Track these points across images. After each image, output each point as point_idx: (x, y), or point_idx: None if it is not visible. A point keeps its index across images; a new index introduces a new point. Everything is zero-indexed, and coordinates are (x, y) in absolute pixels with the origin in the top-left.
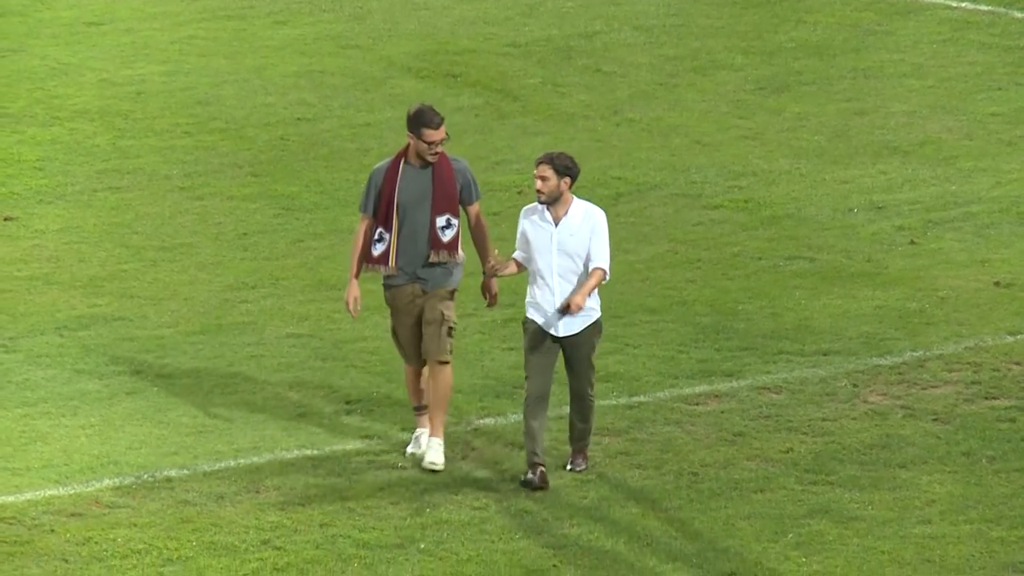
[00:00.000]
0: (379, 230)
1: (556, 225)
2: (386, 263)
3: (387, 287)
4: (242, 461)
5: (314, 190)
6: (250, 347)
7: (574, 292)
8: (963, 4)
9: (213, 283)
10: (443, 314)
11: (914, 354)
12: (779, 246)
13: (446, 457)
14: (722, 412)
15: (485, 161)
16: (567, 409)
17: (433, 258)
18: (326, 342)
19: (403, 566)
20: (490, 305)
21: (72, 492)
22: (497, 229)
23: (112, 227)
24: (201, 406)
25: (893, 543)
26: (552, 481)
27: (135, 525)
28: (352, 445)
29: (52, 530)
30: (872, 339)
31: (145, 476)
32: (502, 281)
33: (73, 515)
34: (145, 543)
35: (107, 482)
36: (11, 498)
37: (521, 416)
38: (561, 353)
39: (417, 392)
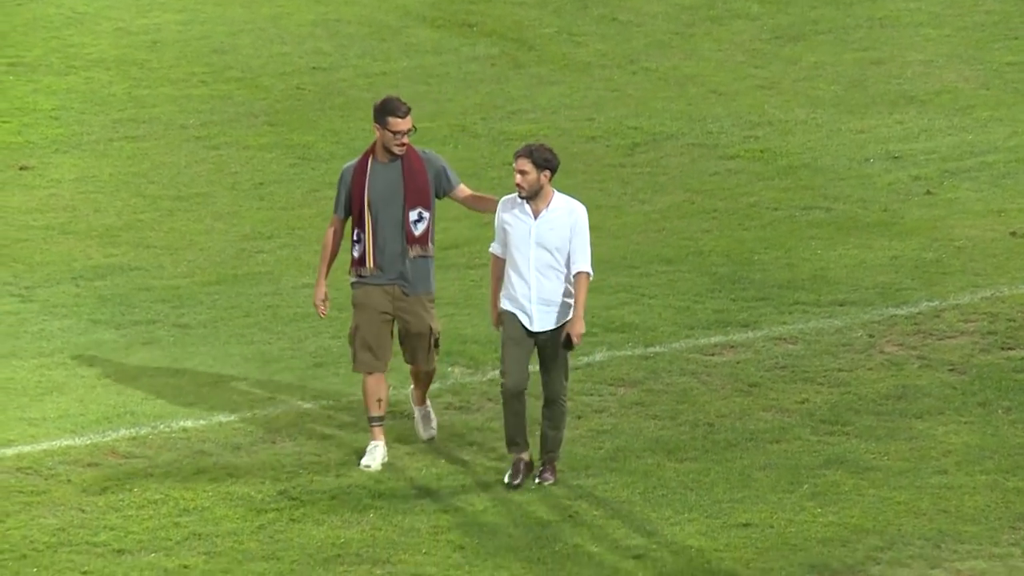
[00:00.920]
0: (356, 231)
1: (535, 218)
2: (364, 264)
3: (358, 284)
4: (258, 411)
5: (330, 139)
6: (266, 297)
7: (572, 320)
8: None
9: (229, 233)
10: (431, 327)
11: (930, 304)
12: (795, 196)
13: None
14: (738, 362)
15: (501, 111)
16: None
17: (410, 253)
18: (342, 292)
19: (419, 516)
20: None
21: (88, 442)
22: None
23: (128, 176)
24: (217, 356)
25: (909, 493)
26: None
27: (151, 475)
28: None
29: (69, 480)
30: (888, 289)
31: (161, 426)
32: None
33: (89, 465)
34: (161, 493)
35: (123, 432)
36: (28, 448)
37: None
38: (536, 352)
39: (376, 402)
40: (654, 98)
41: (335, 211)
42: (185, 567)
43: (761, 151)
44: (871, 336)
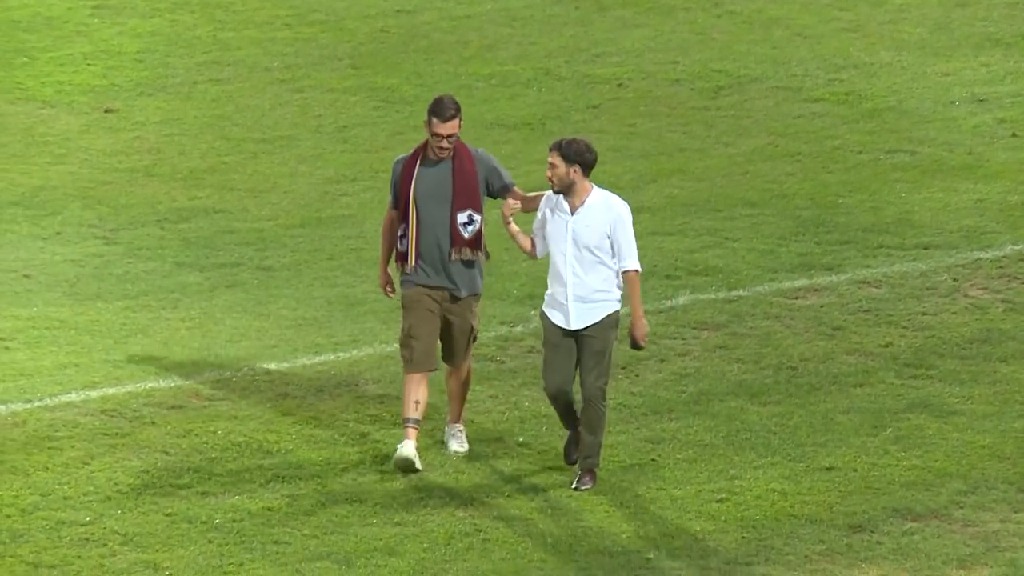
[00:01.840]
0: (402, 226)
1: (572, 214)
2: (406, 261)
3: (407, 283)
4: (341, 354)
5: (413, 82)
6: (350, 240)
7: (633, 321)
8: None
9: (313, 176)
10: (472, 327)
11: (1015, 248)
12: (880, 139)
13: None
14: (821, 306)
15: (585, 54)
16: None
17: (455, 256)
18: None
19: (501, 460)
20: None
21: (172, 385)
22: (596, 122)
23: (212, 119)
24: (301, 299)
25: (993, 437)
26: (639, 388)
27: (235, 418)
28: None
29: (153, 422)
30: (973, 232)
31: (245, 369)
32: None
33: (173, 408)
34: (245, 436)
35: (207, 375)
36: (112, 390)
37: None
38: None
39: (414, 403)
40: (739, 41)
41: (391, 203)
42: (268, 509)
43: (846, 94)
44: (955, 280)
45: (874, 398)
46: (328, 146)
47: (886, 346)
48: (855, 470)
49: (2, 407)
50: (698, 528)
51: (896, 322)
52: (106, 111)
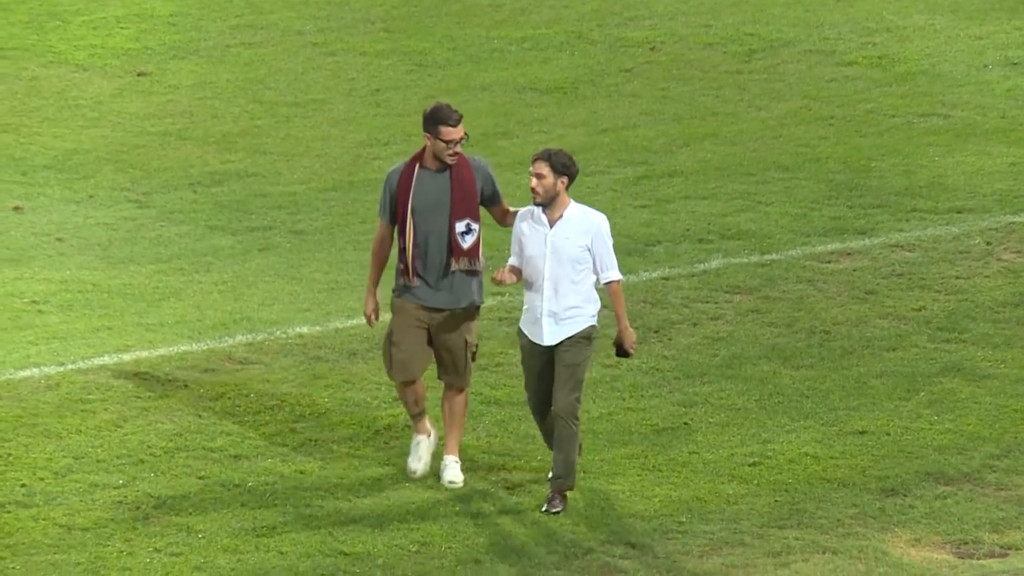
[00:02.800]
0: (400, 239)
1: (551, 227)
2: (407, 275)
3: (400, 293)
4: None
5: (446, 46)
6: None
7: (620, 331)
8: None
9: (346, 139)
10: (466, 340)
11: None
12: (913, 103)
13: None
14: (854, 270)
15: (618, 17)
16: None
17: (454, 266)
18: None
19: (534, 424)
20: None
21: (205, 348)
22: (629, 86)
23: (245, 83)
24: (333, 263)
25: None
26: (672, 352)
27: (268, 381)
28: (486, 302)
29: (185, 385)
30: (1006, 196)
31: (277, 332)
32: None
33: (206, 371)
34: (278, 399)
35: (240, 338)
36: (145, 353)
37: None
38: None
39: (414, 402)
40: (772, 4)
41: (380, 215)
42: (301, 473)
43: (879, 57)
44: (988, 243)
45: (907, 362)
46: (361, 110)
47: (919, 310)
48: (888, 434)
49: (35, 370)
50: (730, 492)
51: (929, 286)
52: (139, 75)
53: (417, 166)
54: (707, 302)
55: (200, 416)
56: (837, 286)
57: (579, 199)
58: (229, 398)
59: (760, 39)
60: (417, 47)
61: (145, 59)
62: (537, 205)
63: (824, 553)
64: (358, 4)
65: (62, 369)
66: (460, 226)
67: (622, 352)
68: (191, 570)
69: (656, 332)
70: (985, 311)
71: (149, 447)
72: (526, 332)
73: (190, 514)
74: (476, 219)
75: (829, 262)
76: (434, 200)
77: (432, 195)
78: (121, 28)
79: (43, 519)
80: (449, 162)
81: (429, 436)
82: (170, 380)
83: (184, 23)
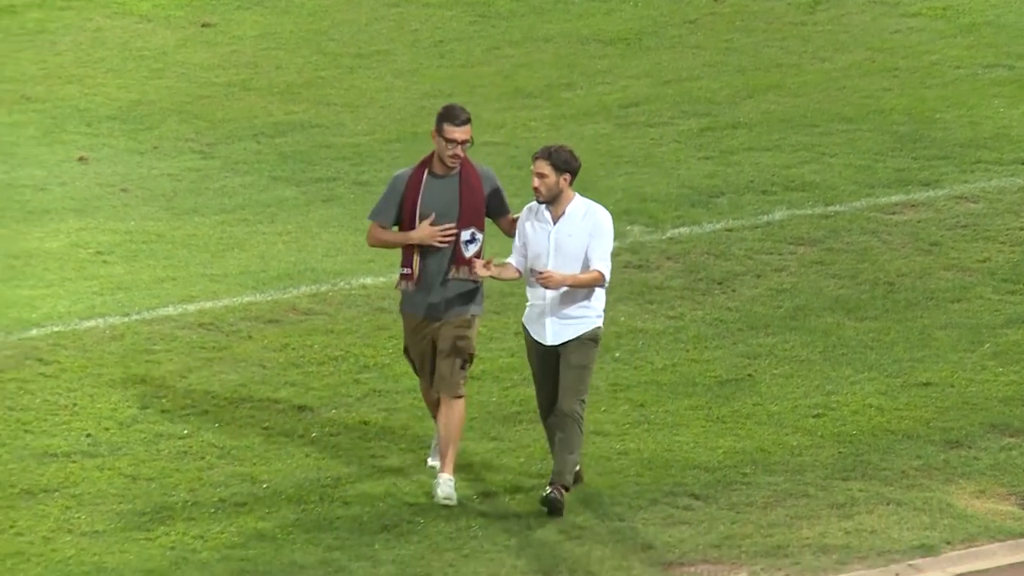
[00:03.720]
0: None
1: (554, 224)
2: (410, 279)
3: (403, 304)
4: None
5: None
6: None
7: (554, 273)
8: None
9: (409, 90)
10: (457, 345)
11: None
12: (977, 54)
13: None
14: (918, 221)
15: None
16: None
17: (452, 274)
18: (522, 150)
19: (599, 374)
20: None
21: (269, 299)
22: (693, 37)
23: (309, 33)
24: None
25: None
26: (736, 303)
27: (332, 332)
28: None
29: (250, 336)
30: None
31: (341, 283)
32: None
33: (270, 321)
34: (342, 350)
35: (304, 289)
36: (209, 304)
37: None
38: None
39: (437, 401)
40: None
41: (372, 217)
42: (365, 423)
43: (943, 8)
44: None
45: (971, 314)
46: (424, 61)
47: (983, 261)
48: (952, 386)
49: (100, 320)
50: (794, 443)
51: (993, 237)
52: (203, 25)
53: (426, 172)
54: (771, 253)
55: (264, 367)
56: (901, 238)
57: (643, 151)
58: (293, 349)
59: None
60: None
61: (209, 10)
62: (541, 203)
63: (888, 504)
64: None
65: (127, 319)
66: (465, 235)
67: (542, 275)
68: (256, 520)
69: (720, 284)
70: None
71: (213, 397)
72: (529, 329)
73: (254, 464)
74: (481, 229)
75: (893, 214)
76: (442, 207)
77: (440, 202)
78: None
79: (108, 469)
80: (449, 163)
81: (451, 479)
82: (234, 331)
83: None
